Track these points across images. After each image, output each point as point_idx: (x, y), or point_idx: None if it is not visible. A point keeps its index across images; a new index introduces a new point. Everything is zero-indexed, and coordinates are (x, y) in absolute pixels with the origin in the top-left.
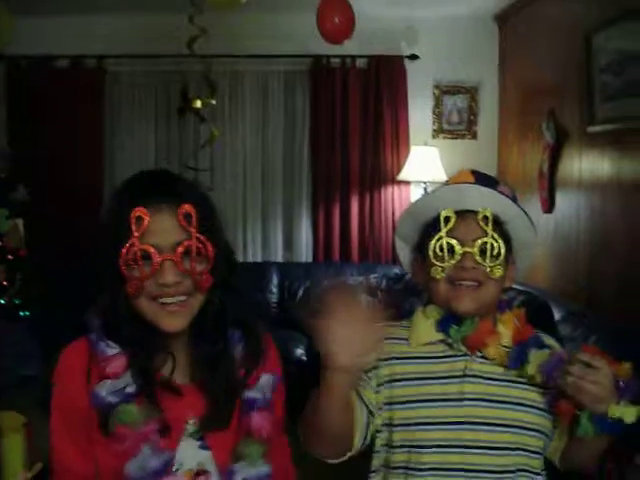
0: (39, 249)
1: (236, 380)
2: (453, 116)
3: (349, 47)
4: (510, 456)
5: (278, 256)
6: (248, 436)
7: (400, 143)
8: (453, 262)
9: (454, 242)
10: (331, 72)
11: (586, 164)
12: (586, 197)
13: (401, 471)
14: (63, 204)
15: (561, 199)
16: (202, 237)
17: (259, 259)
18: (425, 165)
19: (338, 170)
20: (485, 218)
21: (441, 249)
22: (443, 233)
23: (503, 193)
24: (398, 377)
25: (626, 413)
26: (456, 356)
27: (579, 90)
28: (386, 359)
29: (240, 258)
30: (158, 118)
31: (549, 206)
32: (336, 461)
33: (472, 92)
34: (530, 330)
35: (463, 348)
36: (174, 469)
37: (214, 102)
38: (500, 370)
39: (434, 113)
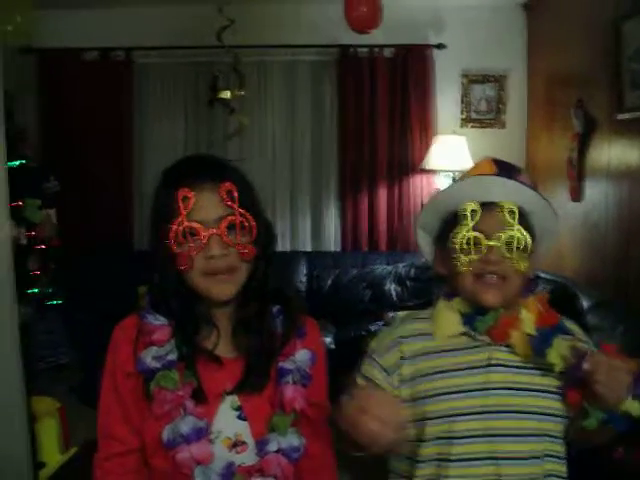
0: (71, 239)
1: (273, 347)
2: (481, 105)
3: (376, 37)
4: (537, 442)
5: (307, 246)
6: (281, 408)
7: (428, 132)
8: (479, 255)
9: (480, 236)
10: (358, 62)
11: (615, 152)
12: (615, 185)
13: (433, 463)
14: (93, 195)
15: (590, 188)
16: (243, 211)
17: (288, 249)
18: (453, 154)
19: (366, 159)
20: (511, 212)
21: (467, 242)
22: (469, 227)
23: (524, 183)
24: (423, 373)
25: (634, 407)
26: (479, 347)
27: (608, 78)
28: (407, 357)
29: None
30: (187, 109)
31: (578, 195)
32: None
33: (500, 81)
34: (554, 315)
35: (486, 338)
36: (212, 437)
37: (243, 93)
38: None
39: (462, 102)
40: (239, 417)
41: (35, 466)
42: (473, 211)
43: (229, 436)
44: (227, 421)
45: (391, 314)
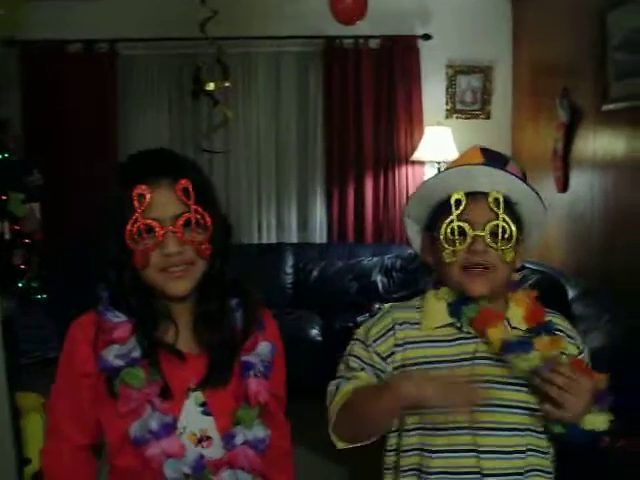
0: (55, 233)
1: (235, 342)
2: (467, 96)
3: (362, 28)
4: (520, 437)
5: (293, 237)
6: (244, 402)
7: (414, 123)
8: (464, 246)
9: (465, 225)
10: (344, 53)
11: (600, 143)
12: (600, 176)
13: (415, 453)
14: (77, 188)
15: (575, 178)
16: (200, 209)
17: (274, 240)
18: (439, 145)
19: (352, 151)
20: (496, 200)
21: (452, 232)
22: (454, 216)
23: (513, 173)
24: (410, 362)
25: (597, 422)
26: (466, 339)
27: (593, 68)
28: (401, 344)
29: (255, 240)
30: (171, 101)
31: (563, 186)
32: (351, 445)
33: (486, 72)
34: (541, 312)
35: (472, 330)
36: (178, 432)
37: (228, 84)
38: None
39: (448, 93)
40: (204, 412)
41: (20, 462)
42: (458, 201)
43: (194, 432)
44: (192, 417)
45: (378, 305)
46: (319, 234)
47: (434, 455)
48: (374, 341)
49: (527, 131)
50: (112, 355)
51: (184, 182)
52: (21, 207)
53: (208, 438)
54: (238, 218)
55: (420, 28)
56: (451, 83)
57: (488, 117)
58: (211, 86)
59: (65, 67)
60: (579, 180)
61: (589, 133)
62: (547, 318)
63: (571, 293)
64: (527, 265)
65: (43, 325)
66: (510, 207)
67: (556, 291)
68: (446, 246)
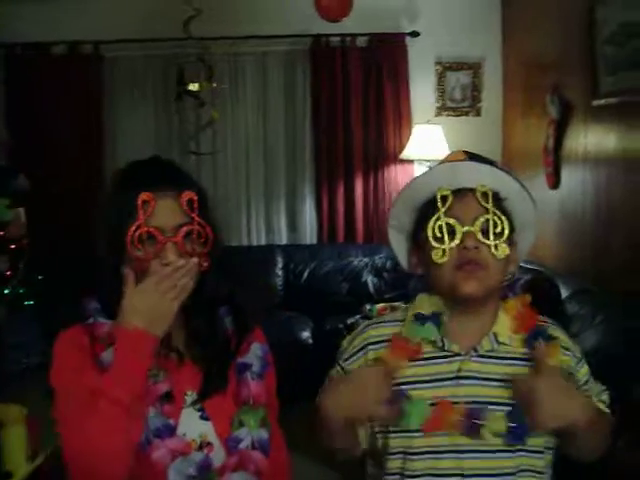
0: (41, 238)
1: (229, 350)
2: (456, 93)
3: (349, 26)
4: (507, 459)
5: (282, 239)
6: (245, 404)
7: (403, 121)
8: (454, 243)
9: (454, 222)
10: (331, 52)
11: (592, 138)
12: (592, 172)
13: (396, 477)
14: (64, 192)
15: (567, 175)
16: (203, 222)
17: (263, 242)
18: (429, 143)
19: (341, 150)
20: (485, 195)
21: (440, 230)
22: (441, 213)
23: (499, 167)
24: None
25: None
26: (449, 356)
27: (583, 63)
28: (374, 365)
29: (244, 241)
30: (157, 103)
31: (555, 182)
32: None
33: (475, 68)
34: (534, 319)
35: (456, 347)
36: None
37: (214, 85)
38: (498, 369)
39: (437, 90)
40: (202, 417)
41: (1, 476)
42: (444, 197)
43: (194, 438)
44: (191, 422)
45: (369, 306)
46: (309, 235)
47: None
48: (345, 360)
49: (517, 127)
50: (111, 356)
51: (190, 194)
52: (7, 212)
53: (209, 444)
54: (227, 220)
55: (408, 25)
56: (440, 80)
57: (478, 114)
58: (195, 86)
59: (49, 69)
60: (570, 176)
61: (580, 129)
62: (541, 327)
63: (564, 292)
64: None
65: (28, 332)
66: (500, 203)
67: (548, 290)
68: (435, 245)
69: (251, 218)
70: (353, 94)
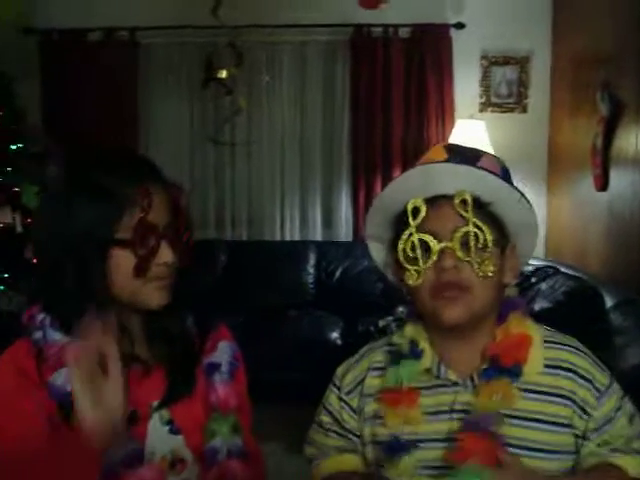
0: None
1: (194, 350)
2: (502, 88)
3: (391, 16)
4: None
5: (317, 235)
6: (215, 411)
7: (445, 116)
8: (430, 263)
9: (428, 237)
10: (373, 42)
11: None
12: None
13: None
14: None
15: (616, 176)
16: (187, 220)
17: (297, 238)
18: (471, 140)
19: (379, 144)
20: (463, 203)
21: (413, 249)
22: (413, 229)
23: (484, 167)
24: (382, 414)
25: None
26: (444, 386)
27: (636, 60)
28: (370, 394)
29: (277, 236)
30: (192, 90)
31: (603, 184)
32: None
33: (522, 63)
34: (525, 349)
35: (452, 377)
36: (146, 460)
37: (244, 72)
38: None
39: (481, 85)
40: (171, 431)
41: None
42: (415, 209)
43: (164, 455)
44: (159, 438)
45: (401, 309)
46: (344, 231)
47: None
48: (347, 393)
49: (565, 126)
50: (62, 380)
51: (178, 191)
52: (35, 199)
53: (182, 461)
54: (260, 213)
55: (453, 16)
56: (485, 74)
57: (524, 111)
58: (222, 73)
59: (85, 56)
60: (620, 178)
61: (631, 128)
62: (554, 352)
63: (608, 302)
64: (561, 269)
65: None
66: (483, 209)
67: (592, 300)
68: (408, 266)
69: (285, 212)
70: (394, 86)
